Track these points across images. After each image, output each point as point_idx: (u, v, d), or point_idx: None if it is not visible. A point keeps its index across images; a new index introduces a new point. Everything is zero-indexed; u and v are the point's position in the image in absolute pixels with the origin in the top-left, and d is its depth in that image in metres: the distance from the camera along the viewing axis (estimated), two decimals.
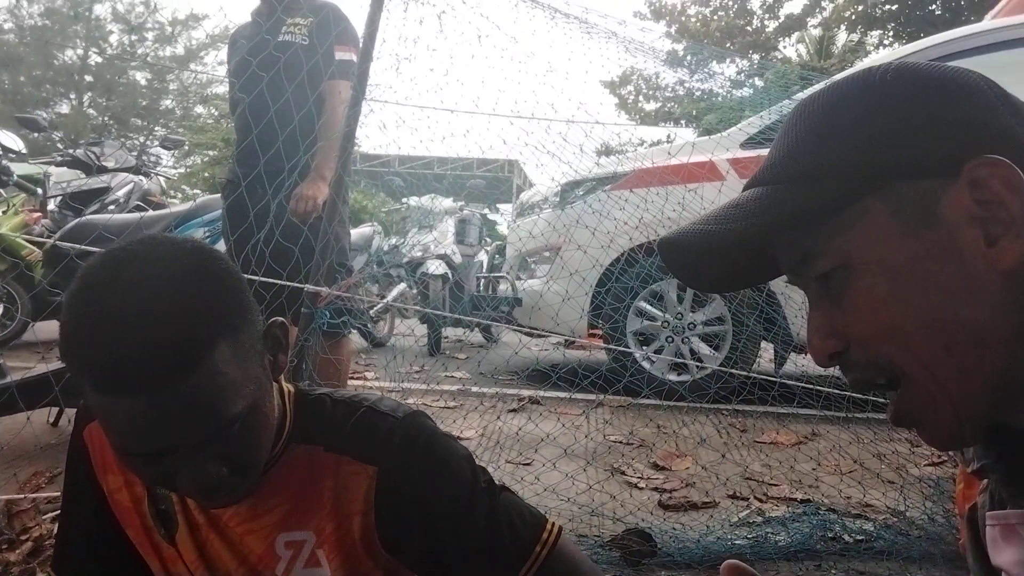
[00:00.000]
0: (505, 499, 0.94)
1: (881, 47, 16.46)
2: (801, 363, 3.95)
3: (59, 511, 1.91)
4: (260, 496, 0.88)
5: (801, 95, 3.58)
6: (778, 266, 0.62)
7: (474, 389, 3.95)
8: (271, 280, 1.95)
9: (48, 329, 5.15)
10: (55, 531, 1.84)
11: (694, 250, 0.62)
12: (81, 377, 0.70)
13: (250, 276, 1.98)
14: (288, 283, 1.97)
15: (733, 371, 3.22)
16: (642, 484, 2.50)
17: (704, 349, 3.77)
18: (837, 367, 0.58)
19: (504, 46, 2.05)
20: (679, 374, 3.76)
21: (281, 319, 0.86)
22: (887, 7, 15.33)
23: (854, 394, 2.76)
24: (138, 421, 0.69)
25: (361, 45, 1.94)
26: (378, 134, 2.34)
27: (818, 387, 2.94)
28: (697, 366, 3.73)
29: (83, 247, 2.08)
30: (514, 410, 3.46)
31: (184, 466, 0.74)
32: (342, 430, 0.90)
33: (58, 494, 1.99)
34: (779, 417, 3.43)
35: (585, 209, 3.57)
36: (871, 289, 0.52)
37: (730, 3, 17.83)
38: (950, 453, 2.83)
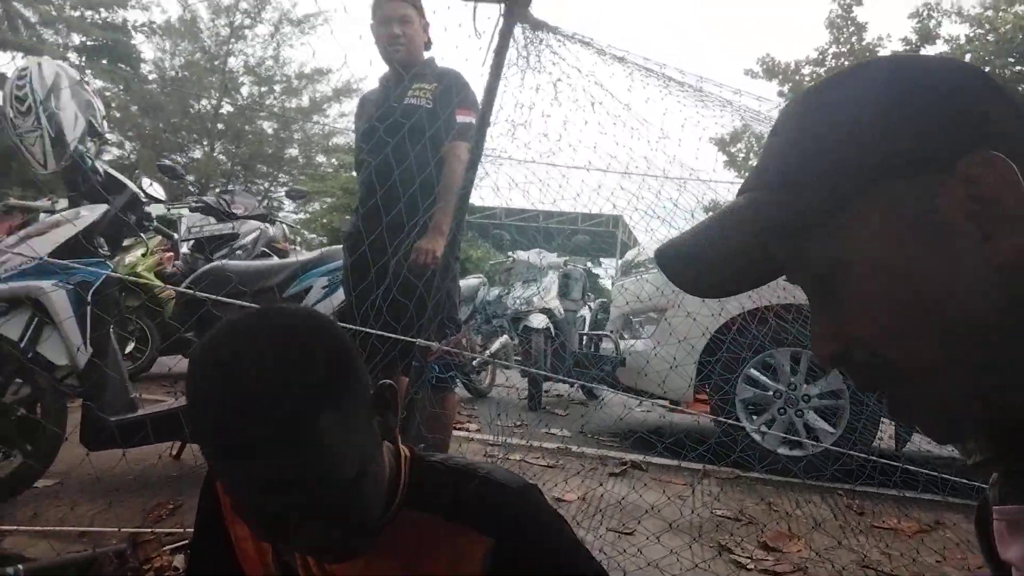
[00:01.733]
0: None
1: None
2: (925, 445, 3.68)
3: (179, 542, 2.01)
4: (374, 556, 0.89)
5: None
6: (777, 267, 0.61)
7: (575, 449, 3.89)
8: (386, 334, 2.01)
9: (174, 363, 5.50)
10: (174, 562, 1.93)
11: (692, 260, 0.61)
12: (200, 440, 0.76)
13: (367, 329, 2.06)
14: (402, 337, 2.02)
15: (850, 452, 3.03)
16: (751, 566, 2.36)
17: (820, 424, 3.57)
18: (841, 369, 0.58)
19: (617, 113, 2.08)
20: (791, 449, 3.57)
21: (390, 382, 0.88)
22: (1017, 68, 14.47)
23: (977, 482, 2.53)
24: (251, 486, 0.74)
25: (480, 111, 2.01)
26: (489, 191, 2.42)
27: (943, 474, 2.73)
28: (812, 444, 3.53)
29: (214, 297, 2.22)
30: (616, 474, 3.38)
31: (296, 527, 0.77)
32: (458, 499, 0.91)
33: (179, 530, 2.09)
34: (900, 502, 3.18)
35: None
36: (867, 289, 0.52)
37: (844, 62, 17.35)
38: None
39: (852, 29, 17.00)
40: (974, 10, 15.11)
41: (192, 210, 4.45)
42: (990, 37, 14.40)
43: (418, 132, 2.36)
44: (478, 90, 2.08)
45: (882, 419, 3.60)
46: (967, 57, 14.92)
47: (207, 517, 1.03)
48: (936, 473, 2.63)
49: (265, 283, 2.77)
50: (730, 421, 3.43)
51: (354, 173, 15.56)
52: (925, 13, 15.70)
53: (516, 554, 0.88)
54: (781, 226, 0.55)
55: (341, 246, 2.77)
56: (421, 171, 2.36)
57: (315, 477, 0.74)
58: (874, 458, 2.87)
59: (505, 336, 5.88)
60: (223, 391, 0.73)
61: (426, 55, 2.66)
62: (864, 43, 16.92)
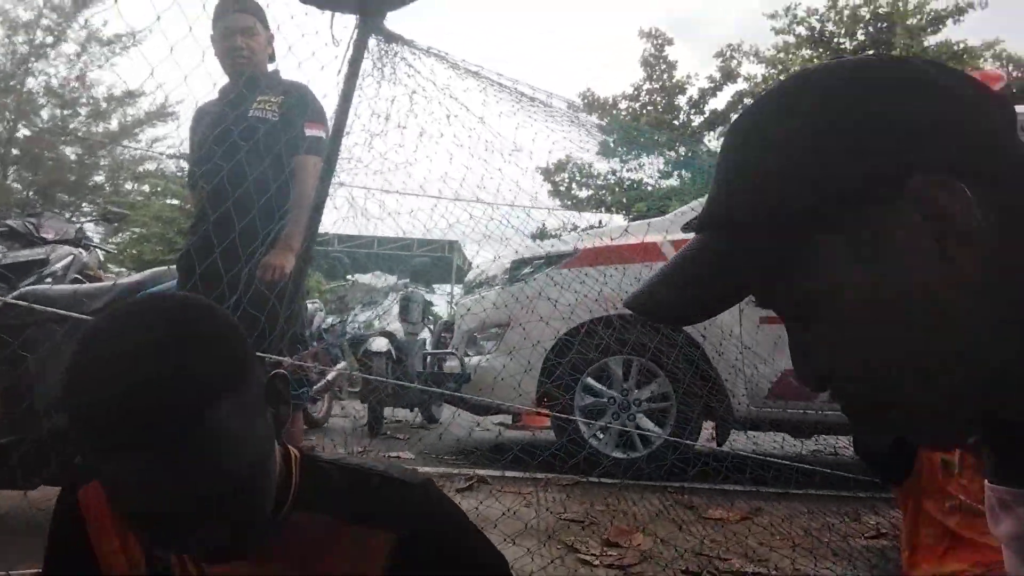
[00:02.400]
0: None
1: None
2: (752, 437, 4.06)
3: None
4: (261, 562, 0.85)
5: None
6: (742, 295, 0.60)
7: (420, 469, 3.87)
8: None
9: None
10: None
11: (658, 311, 0.61)
12: (86, 435, 0.70)
13: None
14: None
15: (679, 440, 3.28)
16: (596, 562, 2.48)
17: (650, 426, 3.83)
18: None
19: (472, 126, 2.16)
20: (626, 452, 3.80)
21: (283, 371, 0.87)
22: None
23: (801, 465, 2.84)
24: (143, 479, 0.69)
25: (334, 121, 2.00)
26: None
27: (768, 458, 3.03)
28: (647, 438, 3.78)
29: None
30: (463, 489, 3.41)
31: (186, 524, 0.73)
32: (358, 499, 0.89)
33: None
34: (724, 494, 3.48)
35: (535, 286, 3.66)
36: (835, 325, 0.51)
37: (658, 99, 18.85)
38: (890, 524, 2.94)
39: (664, 67, 18.57)
40: (769, 52, 17.12)
41: None
42: (782, 77, 16.32)
43: (265, 145, 2.30)
44: (334, 98, 2.08)
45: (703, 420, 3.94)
46: None
47: (65, 537, 0.93)
48: (762, 457, 2.90)
49: (83, 309, 2.54)
50: (563, 416, 3.60)
51: (170, 201, 14.43)
52: (728, 53, 17.60)
53: (420, 547, 0.87)
54: (744, 267, 0.55)
55: (170, 267, 2.61)
56: (269, 184, 2.29)
57: (211, 465, 0.70)
58: (699, 446, 3.11)
59: (344, 363, 5.75)
60: (113, 380, 0.68)
61: (270, 67, 2.60)
62: (675, 80, 18.51)
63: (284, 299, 2.06)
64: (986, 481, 0.58)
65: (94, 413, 0.68)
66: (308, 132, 2.38)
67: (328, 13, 1.79)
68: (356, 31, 1.81)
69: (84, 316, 1.97)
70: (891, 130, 0.50)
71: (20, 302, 2.24)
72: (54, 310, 2.03)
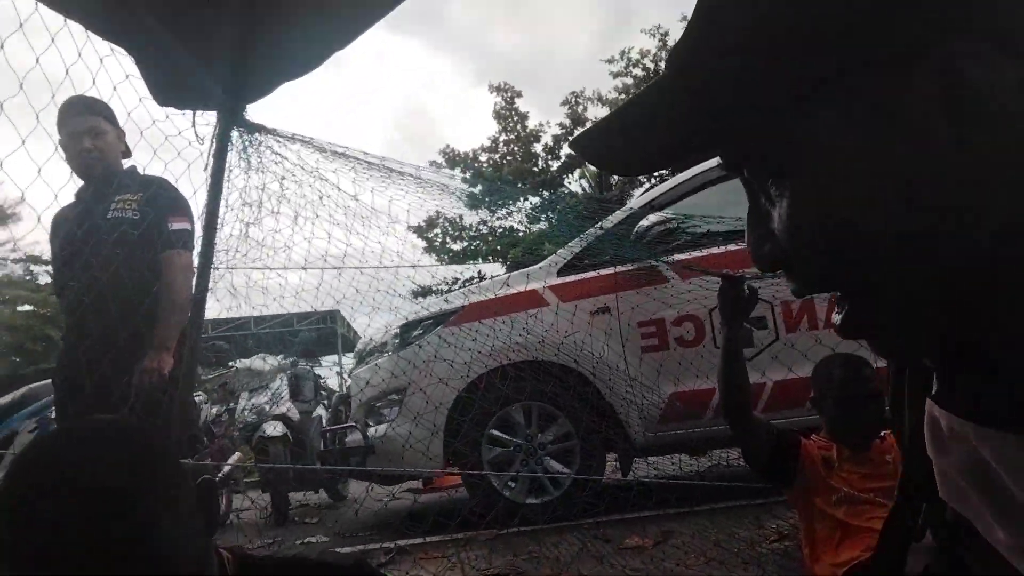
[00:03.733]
0: None
1: (652, 178, 18.63)
2: (652, 464, 4.21)
3: None
4: None
5: (594, 228, 4.05)
6: (706, 144, 0.54)
7: (340, 550, 3.75)
8: None
9: None
10: None
11: (616, 134, 0.53)
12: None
13: None
14: None
15: (587, 477, 3.36)
16: None
17: (556, 466, 3.90)
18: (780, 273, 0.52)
19: (346, 204, 2.19)
20: (539, 498, 3.84)
21: (208, 477, 0.87)
22: None
23: (700, 482, 2.99)
24: None
25: (205, 215, 1.98)
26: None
27: (669, 480, 3.16)
28: (557, 480, 3.84)
29: None
30: (384, 564, 3.34)
31: None
32: None
33: None
34: (635, 522, 3.58)
35: (427, 348, 3.69)
36: (824, 187, 0.46)
37: (516, 148, 19.51)
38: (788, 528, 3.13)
39: (516, 118, 19.27)
40: (611, 95, 18.16)
41: None
42: None
43: (126, 246, 2.22)
44: (203, 193, 2.05)
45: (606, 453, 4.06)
46: None
47: None
48: (665, 480, 3.03)
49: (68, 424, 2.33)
50: (472, 472, 3.61)
51: (21, 308, 13.21)
52: (573, 100, 18.51)
53: None
54: (723, 114, 0.49)
55: (45, 382, 2.44)
56: (135, 284, 2.22)
57: None
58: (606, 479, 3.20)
59: (237, 453, 5.49)
60: (47, 531, 0.67)
61: (126, 164, 2.53)
62: (528, 129, 19.24)
63: (173, 401, 1.98)
64: (933, 404, 0.51)
65: (27, 567, 0.67)
66: (173, 226, 2.33)
67: (189, 113, 1.79)
68: (217, 126, 1.82)
69: None
70: None
71: None
72: None
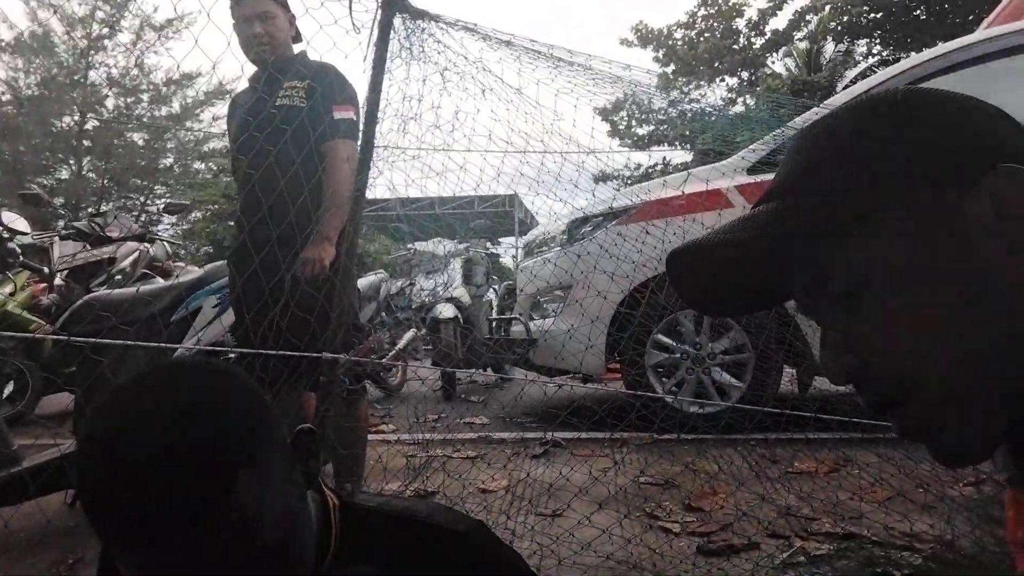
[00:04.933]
0: None
1: (870, 56, 16.54)
2: (828, 386, 3.88)
3: None
4: None
5: (798, 119, 3.59)
6: (788, 287, 0.61)
7: (495, 436, 3.87)
8: (289, 353, 1.90)
9: (59, 402, 5.12)
10: None
11: (704, 263, 0.61)
12: (101, 531, 0.66)
13: (266, 352, 1.94)
14: (307, 354, 1.92)
15: (751, 409, 3.14)
16: (678, 529, 2.41)
17: (727, 379, 3.70)
18: (852, 387, 0.57)
19: (509, 98, 2.03)
20: (703, 408, 3.69)
21: (310, 426, 0.82)
22: (872, 15, 15.42)
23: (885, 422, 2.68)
24: (169, 569, 0.65)
25: (366, 108, 1.91)
26: (384, 178, 2.31)
27: (851, 418, 2.88)
28: (724, 390, 3.66)
29: (90, 340, 2.04)
30: (538, 456, 3.39)
31: None
32: (400, 549, 0.85)
33: None
34: (810, 444, 3.34)
35: (596, 247, 3.54)
36: (892, 302, 0.51)
37: (715, 24, 17.98)
38: (986, 471, 2.76)
39: None
40: None
41: (63, 238, 4.11)
42: None
43: (294, 134, 2.22)
44: (362, 85, 1.98)
45: (785, 367, 3.78)
46: (826, 9, 15.80)
47: None
48: (845, 418, 2.76)
49: (147, 311, 2.58)
50: (637, 383, 3.51)
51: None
52: None
53: None
54: (807, 232, 0.55)
55: (225, 262, 2.61)
56: (304, 175, 2.23)
57: (239, 547, 0.66)
58: (787, 411, 2.98)
59: (413, 330, 5.79)
60: (125, 463, 0.64)
61: (296, 49, 2.52)
62: (731, 3, 17.58)
63: (332, 292, 2.01)
64: (1009, 487, 0.57)
65: (104, 512, 0.65)
66: (337, 115, 2.28)
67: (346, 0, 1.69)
68: (379, 11, 1.71)
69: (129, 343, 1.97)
70: (972, 132, 0.52)
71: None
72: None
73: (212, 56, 1.76)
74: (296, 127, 2.14)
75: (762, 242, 0.57)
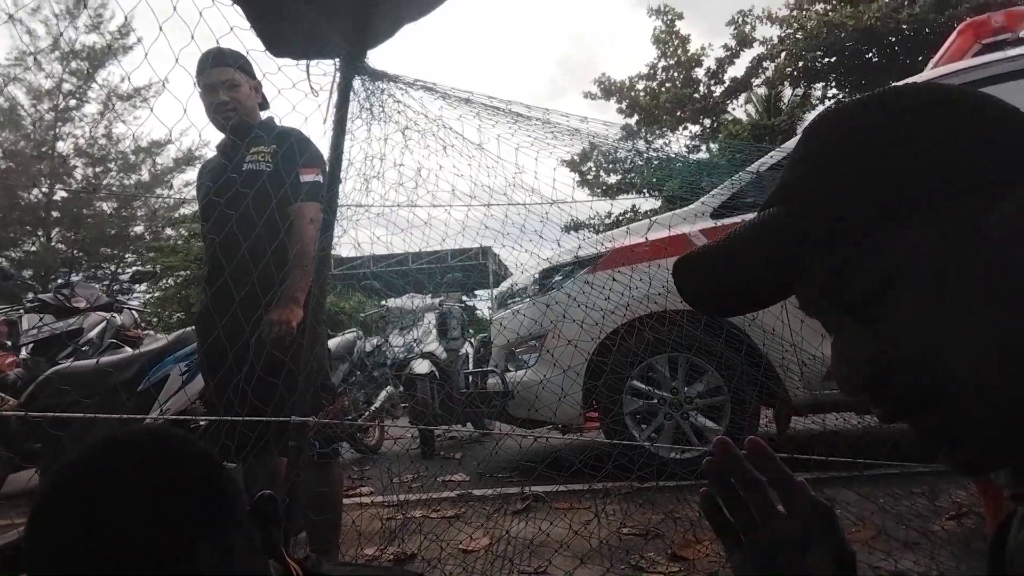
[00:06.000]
0: None
1: (826, 99, 17.07)
2: (810, 421, 3.89)
3: None
4: None
5: (755, 164, 3.67)
6: (792, 286, 0.59)
7: (476, 493, 3.81)
8: (255, 418, 1.87)
9: (26, 479, 4.95)
10: None
11: (711, 271, 0.61)
12: None
13: (233, 418, 1.90)
14: (275, 419, 1.89)
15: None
16: None
17: (706, 423, 3.69)
18: (867, 396, 0.55)
19: (471, 153, 2.06)
20: (682, 453, 3.66)
21: (269, 493, 0.80)
22: (826, 60, 15.97)
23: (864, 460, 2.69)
24: None
25: (327, 169, 1.92)
26: (349, 237, 2.31)
27: (819, 457, 2.87)
28: (702, 435, 3.64)
29: (49, 415, 1.99)
30: (519, 511, 3.33)
31: None
32: None
33: None
34: None
35: (566, 296, 3.55)
36: (920, 307, 0.50)
37: (675, 75, 18.49)
38: (967, 504, 2.76)
39: (677, 42, 18.17)
40: (782, 12, 16.60)
41: (28, 311, 4.06)
42: (799, 35, 15.81)
43: (262, 198, 2.22)
44: (324, 146, 2.00)
45: (762, 407, 3.78)
46: (782, 56, 16.34)
47: None
48: (823, 457, 2.76)
49: (111, 381, 2.52)
50: (616, 431, 3.48)
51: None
52: (740, 19, 17.12)
53: None
54: (827, 235, 0.54)
55: (193, 328, 2.57)
56: (271, 239, 2.23)
57: None
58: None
59: (389, 387, 5.72)
60: (73, 553, 0.62)
61: (263, 115, 2.54)
62: (689, 54, 18.11)
63: (299, 353, 1.99)
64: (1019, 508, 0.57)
65: None
66: (304, 178, 2.30)
67: (303, 64, 1.72)
68: (339, 74, 1.73)
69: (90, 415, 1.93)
70: (1004, 141, 0.50)
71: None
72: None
73: (179, 125, 1.76)
74: (262, 191, 2.14)
75: (778, 249, 0.56)
